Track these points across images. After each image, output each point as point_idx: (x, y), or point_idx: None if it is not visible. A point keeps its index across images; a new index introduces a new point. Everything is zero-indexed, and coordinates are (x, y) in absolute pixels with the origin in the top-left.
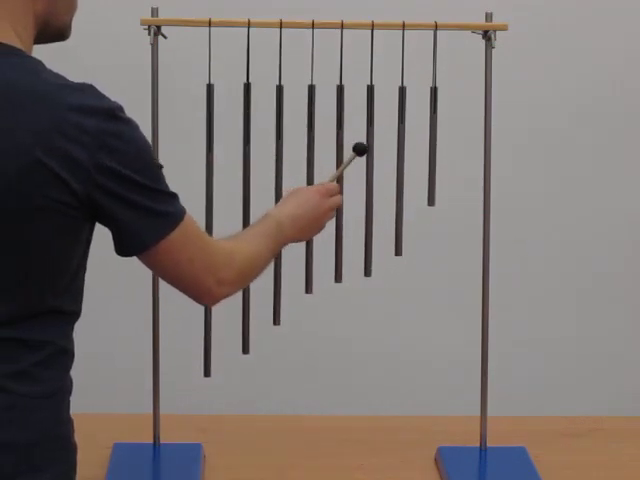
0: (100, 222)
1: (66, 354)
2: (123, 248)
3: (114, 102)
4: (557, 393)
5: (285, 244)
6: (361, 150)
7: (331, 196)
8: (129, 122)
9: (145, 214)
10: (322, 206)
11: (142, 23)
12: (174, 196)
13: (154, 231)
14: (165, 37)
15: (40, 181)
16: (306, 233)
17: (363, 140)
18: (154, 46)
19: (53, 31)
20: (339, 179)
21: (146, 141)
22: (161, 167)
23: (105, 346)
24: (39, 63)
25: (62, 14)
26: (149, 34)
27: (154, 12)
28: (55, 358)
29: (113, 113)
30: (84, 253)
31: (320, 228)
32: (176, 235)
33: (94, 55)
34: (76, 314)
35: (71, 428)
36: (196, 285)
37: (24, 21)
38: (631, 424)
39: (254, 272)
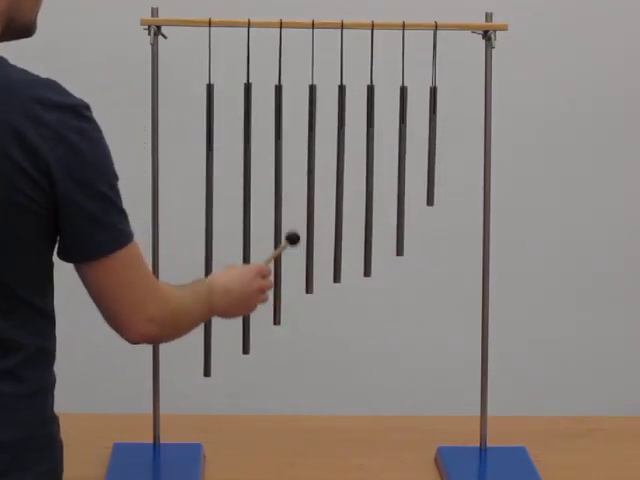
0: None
1: (47, 353)
2: (66, 253)
3: (80, 99)
4: (557, 393)
5: (212, 314)
6: (293, 239)
7: (263, 277)
8: (92, 122)
9: (94, 224)
10: (253, 285)
11: (142, 23)
12: (124, 214)
13: (103, 244)
14: (165, 37)
15: (8, 174)
16: (236, 309)
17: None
18: (154, 46)
19: (18, 27)
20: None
21: (107, 148)
22: (117, 179)
23: (105, 346)
24: (3, 59)
25: (26, 10)
26: (149, 34)
27: (154, 12)
28: (36, 357)
29: (77, 110)
30: (52, 251)
31: (249, 308)
32: (123, 254)
33: (94, 55)
34: (48, 312)
35: (56, 425)
36: (126, 312)
37: None
38: (631, 424)
39: (182, 323)
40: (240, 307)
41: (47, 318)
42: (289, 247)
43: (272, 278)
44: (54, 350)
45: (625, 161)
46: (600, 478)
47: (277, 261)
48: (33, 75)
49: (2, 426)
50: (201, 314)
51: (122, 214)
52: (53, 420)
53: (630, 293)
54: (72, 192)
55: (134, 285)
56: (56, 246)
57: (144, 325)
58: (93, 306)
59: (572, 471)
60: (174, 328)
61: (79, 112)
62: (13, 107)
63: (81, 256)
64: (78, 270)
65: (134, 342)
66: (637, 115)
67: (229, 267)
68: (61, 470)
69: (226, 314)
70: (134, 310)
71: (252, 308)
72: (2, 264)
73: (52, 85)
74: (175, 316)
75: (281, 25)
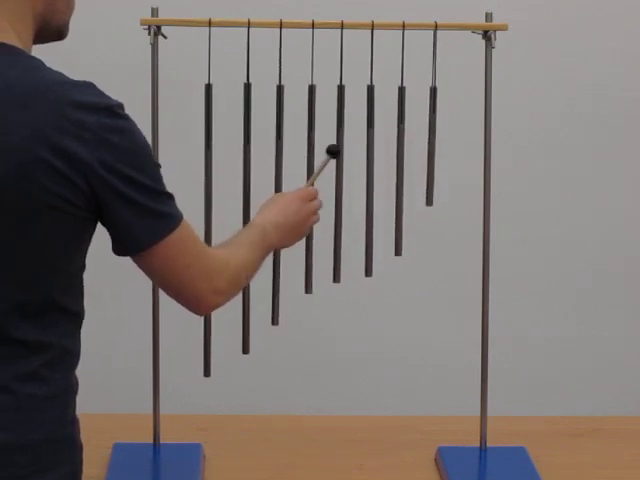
0: (100, 220)
1: (72, 354)
2: (121, 247)
3: (114, 100)
4: (557, 393)
5: (271, 251)
6: (335, 152)
7: (310, 200)
8: (129, 120)
9: (144, 213)
10: (303, 211)
11: (142, 23)
12: (172, 197)
13: (152, 232)
14: (165, 37)
15: (42, 178)
16: (291, 239)
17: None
18: (154, 46)
19: (52, 30)
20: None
21: (146, 140)
22: (159, 166)
23: (105, 346)
24: (40, 62)
25: (61, 13)
26: (149, 34)
27: (154, 12)
28: (61, 359)
29: (114, 110)
30: (86, 252)
31: (304, 233)
32: (174, 238)
33: (94, 55)
34: (80, 314)
35: (77, 428)
36: (192, 292)
37: (24, 21)
38: (631, 424)
39: (245, 281)
40: (295, 235)
41: (76, 320)
42: (330, 160)
43: (319, 198)
44: (79, 352)
45: (625, 161)
46: (600, 478)
47: (276, 260)
48: (69, 78)
49: (24, 427)
50: (261, 258)
51: (169, 198)
52: (74, 422)
53: (630, 293)
54: (118, 189)
55: (194, 264)
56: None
57: (212, 298)
58: (93, 306)
59: (572, 471)
60: (238, 287)
61: (116, 112)
62: (50, 110)
63: (136, 248)
64: (138, 261)
65: (204, 314)
66: (637, 115)
67: (274, 199)
68: (81, 472)
69: (283, 246)
70: (198, 289)
71: (306, 232)
72: (34, 267)
73: (89, 87)
74: (237, 278)
75: (281, 25)
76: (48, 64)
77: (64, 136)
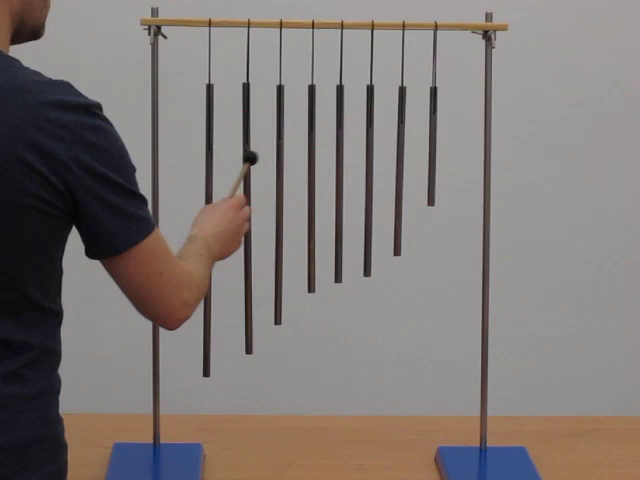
0: (76, 222)
1: (53, 354)
2: (96, 250)
3: (92, 99)
4: (557, 393)
5: (214, 263)
6: (251, 158)
7: (242, 207)
8: (106, 120)
9: (120, 216)
10: (238, 218)
11: (142, 23)
12: (146, 203)
13: (129, 235)
14: (165, 37)
15: (20, 177)
16: (230, 248)
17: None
18: (154, 46)
19: (29, 30)
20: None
21: (122, 142)
22: (135, 170)
23: (105, 346)
24: (17, 61)
25: (37, 11)
26: (149, 34)
27: (154, 12)
28: (42, 359)
29: (90, 109)
30: (63, 251)
31: (240, 242)
32: (148, 244)
33: (94, 55)
34: (59, 314)
35: (61, 427)
36: (162, 302)
37: (1, 20)
38: (631, 424)
39: (204, 292)
40: (233, 244)
41: (55, 320)
42: (250, 167)
43: (248, 206)
44: (60, 352)
45: (625, 161)
46: (600, 478)
47: (278, 261)
48: (46, 77)
49: (7, 428)
50: (210, 271)
51: (143, 203)
52: (58, 422)
53: (630, 293)
54: (94, 188)
55: (165, 274)
56: (66, 246)
57: (181, 311)
58: (94, 306)
59: (572, 471)
60: (200, 300)
61: (93, 111)
62: (28, 110)
63: (110, 250)
64: (107, 266)
65: (171, 329)
66: (637, 115)
67: (207, 210)
68: (66, 472)
69: (223, 256)
70: (169, 299)
71: (240, 241)
72: (14, 267)
73: (66, 86)
74: (200, 290)
75: (281, 25)
76: (48, 64)
77: (41, 135)
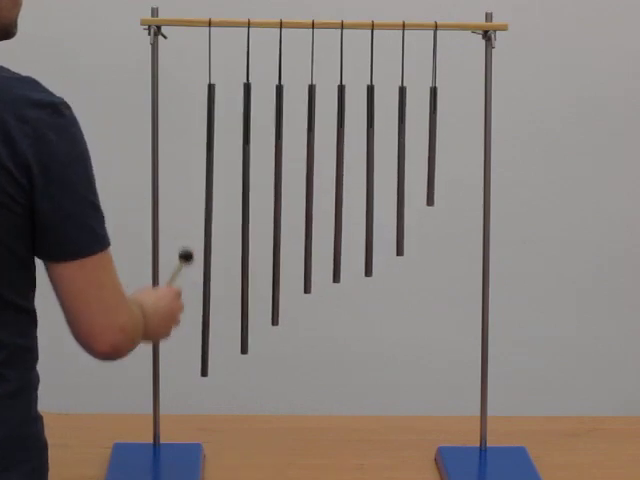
0: (35, 221)
1: (28, 352)
2: (45, 252)
3: (60, 98)
4: (557, 393)
5: (147, 333)
6: (187, 257)
7: (178, 299)
8: (72, 121)
9: (72, 222)
10: (174, 305)
11: (142, 23)
12: (104, 219)
13: (82, 244)
14: (165, 37)
15: None
16: (164, 328)
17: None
18: (154, 46)
19: None
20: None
21: (86, 148)
22: (94, 180)
23: None
24: None
25: (7, 10)
26: (149, 34)
27: (154, 12)
28: (17, 357)
29: (57, 108)
30: (34, 248)
31: (172, 328)
32: (100, 258)
33: (94, 55)
34: (33, 312)
35: (40, 425)
36: (98, 319)
37: None
38: (631, 424)
39: (139, 337)
40: (167, 327)
41: (29, 318)
42: (185, 266)
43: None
44: (36, 349)
45: (625, 161)
46: (600, 478)
47: (276, 260)
48: (14, 73)
49: None
50: (143, 330)
51: (100, 217)
52: (37, 419)
53: (630, 293)
54: (49, 190)
55: (107, 291)
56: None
57: (115, 334)
58: None
59: (572, 471)
60: (134, 341)
61: (59, 110)
62: None
63: (59, 255)
64: (52, 270)
65: (100, 354)
66: (637, 115)
67: (147, 289)
68: (46, 469)
69: (157, 333)
70: (107, 316)
71: (171, 329)
72: None
73: (32, 83)
74: (136, 328)
75: (281, 25)
76: (48, 64)
77: (11, 130)
